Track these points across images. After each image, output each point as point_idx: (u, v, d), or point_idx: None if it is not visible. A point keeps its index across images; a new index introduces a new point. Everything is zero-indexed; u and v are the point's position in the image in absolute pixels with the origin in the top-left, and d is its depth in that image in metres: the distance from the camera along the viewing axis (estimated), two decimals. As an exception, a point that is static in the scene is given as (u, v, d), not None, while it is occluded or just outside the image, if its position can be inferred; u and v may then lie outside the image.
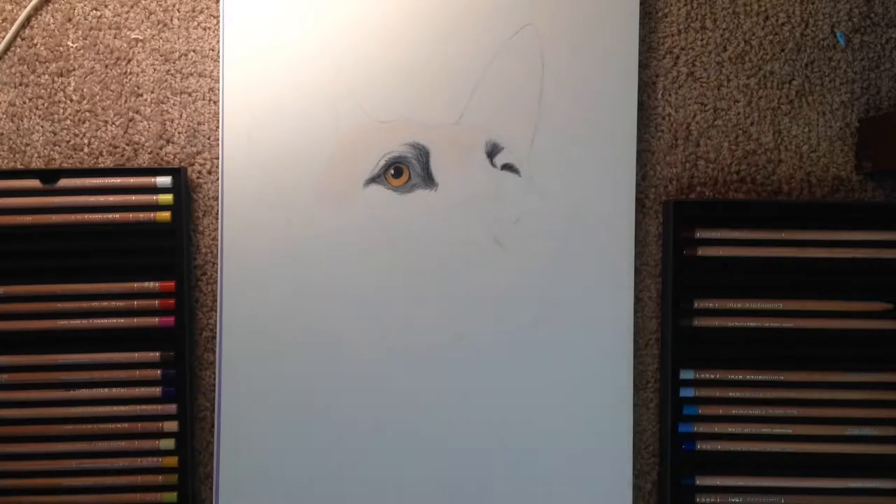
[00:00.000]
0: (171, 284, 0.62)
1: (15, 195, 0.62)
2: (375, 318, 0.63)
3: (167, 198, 0.62)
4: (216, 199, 0.64)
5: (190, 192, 0.64)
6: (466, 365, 0.63)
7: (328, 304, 0.63)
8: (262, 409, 0.63)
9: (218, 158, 0.63)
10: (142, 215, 0.62)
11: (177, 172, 0.62)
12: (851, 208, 0.64)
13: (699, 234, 0.63)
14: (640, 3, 0.64)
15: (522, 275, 0.63)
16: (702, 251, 0.63)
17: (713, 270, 0.64)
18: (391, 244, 0.63)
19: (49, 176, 0.62)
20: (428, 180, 0.63)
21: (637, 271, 0.64)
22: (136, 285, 0.62)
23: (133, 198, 0.62)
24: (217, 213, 0.63)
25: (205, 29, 0.64)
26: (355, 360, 0.63)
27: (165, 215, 0.62)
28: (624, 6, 0.63)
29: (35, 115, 0.64)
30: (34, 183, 0.62)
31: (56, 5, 0.64)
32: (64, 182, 0.62)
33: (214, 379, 0.63)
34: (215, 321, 0.63)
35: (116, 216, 0.62)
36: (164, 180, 0.62)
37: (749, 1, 0.65)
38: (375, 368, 0.63)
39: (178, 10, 0.64)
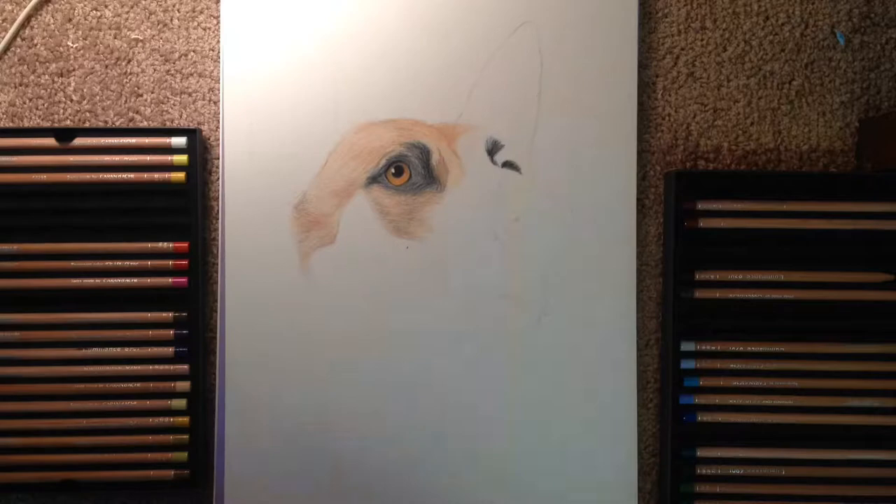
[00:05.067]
0: (184, 245, 0.63)
1: (30, 153, 0.62)
2: (376, 317, 0.63)
3: (182, 158, 0.62)
4: (216, 199, 0.64)
5: (205, 155, 0.64)
6: (467, 365, 0.63)
7: (329, 303, 0.63)
8: (263, 409, 0.63)
9: (218, 158, 0.63)
10: (157, 175, 0.62)
11: (192, 133, 0.62)
12: (853, 180, 0.64)
13: (701, 206, 0.63)
14: (640, 3, 0.64)
15: (523, 274, 0.63)
16: (703, 222, 0.63)
17: (714, 242, 0.64)
18: (393, 244, 0.63)
19: (65, 134, 0.62)
20: (429, 179, 0.63)
21: (637, 271, 0.64)
22: (150, 245, 0.62)
23: (148, 158, 0.62)
24: (217, 214, 0.63)
25: (205, 29, 0.64)
26: (356, 359, 0.63)
27: (180, 176, 0.62)
28: (623, 3, 0.63)
29: (35, 115, 0.64)
30: (50, 141, 0.62)
31: (56, 5, 0.64)
32: (79, 141, 0.62)
33: (215, 379, 0.63)
34: (216, 321, 0.63)
35: (131, 176, 0.62)
36: (180, 141, 0.62)
37: (749, 1, 0.65)
38: (376, 367, 0.63)
39: (178, 10, 0.64)
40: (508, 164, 0.63)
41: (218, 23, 0.64)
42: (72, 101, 0.64)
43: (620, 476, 0.63)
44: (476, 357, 0.63)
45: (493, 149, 0.63)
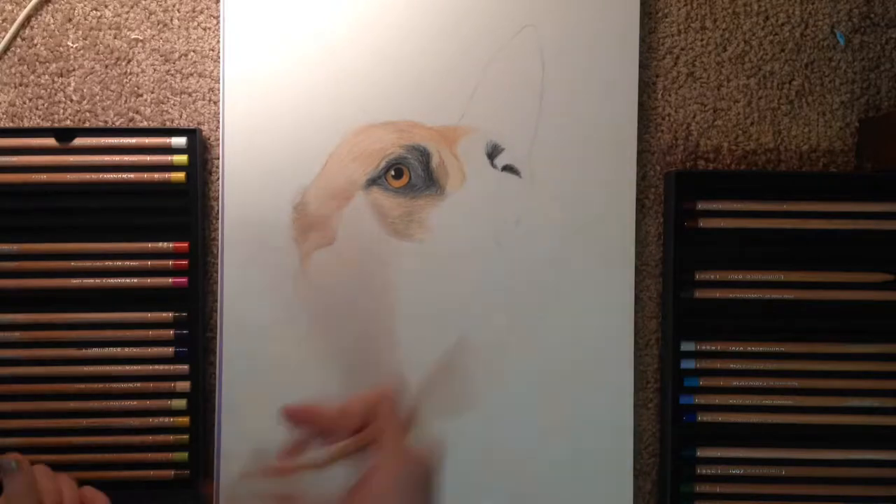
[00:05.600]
0: (184, 245, 0.63)
1: (30, 153, 0.62)
2: (375, 319, 0.63)
3: (182, 158, 0.62)
4: (216, 199, 0.64)
5: (206, 154, 0.64)
6: (468, 366, 0.63)
7: (328, 304, 0.63)
8: (262, 409, 0.63)
9: (218, 159, 0.63)
10: (156, 175, 0.62)
11: (192, 133, 0.62)
12: (853, 180, 0.64)
13: (700, 206, 0.63)
14: (640, 4, 0.64)
15: (523, 276, 0.63)
16: (703, 223, 0.63)
17: (714, 242, 0.64)
18: (392, 246, 0.63)
19: (65, 134, 0.62)
20: (428, 182, 0.63)
21: (637, 271, 0.64)
22: (150, 245, 0.62)
23: (148, 158, 0.62)
24: (217, 214, 0.63)
25: (205, 29, 0.64)
26: (355, 360, 0.63)
27: (180, 176, 0.62)
28: (624, 7, 0.63)
29: (35, 115, 0.64)
30: (50, 141, 0.62)
31: (56, 5, 0.64)
32: (79, 141, 0.62)
33: (215, 379, 0.63)
34: (216, 321, 0.63)
35: (131, 176, 0.62)
36: (179, 141, 0.62)
37: (749, 1, 0.65)
38: (375, 368, 0.63)
39: (178, 10, 0.64)
40: (508, 168, 0.63)
41: (218, 23, 0.64)
42: (72, 101, 0.64)
43: (616, 477, 0.63)
44: (474, 359, 0.63)
45: (493, 152, 0.62)
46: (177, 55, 0.64)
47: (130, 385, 0.63)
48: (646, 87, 0.65)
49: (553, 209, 0.63)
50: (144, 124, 0.64)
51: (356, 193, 0.62)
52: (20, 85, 0.64)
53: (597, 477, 0.63)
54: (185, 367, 0.63)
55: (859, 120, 0.65)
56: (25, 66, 0.64)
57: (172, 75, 0.64)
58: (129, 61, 0.64)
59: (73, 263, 0.62)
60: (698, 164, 0.65)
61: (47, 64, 0.64)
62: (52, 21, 0.64)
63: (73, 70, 0.64)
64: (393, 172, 0.62)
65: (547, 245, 0.63)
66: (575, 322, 0.63)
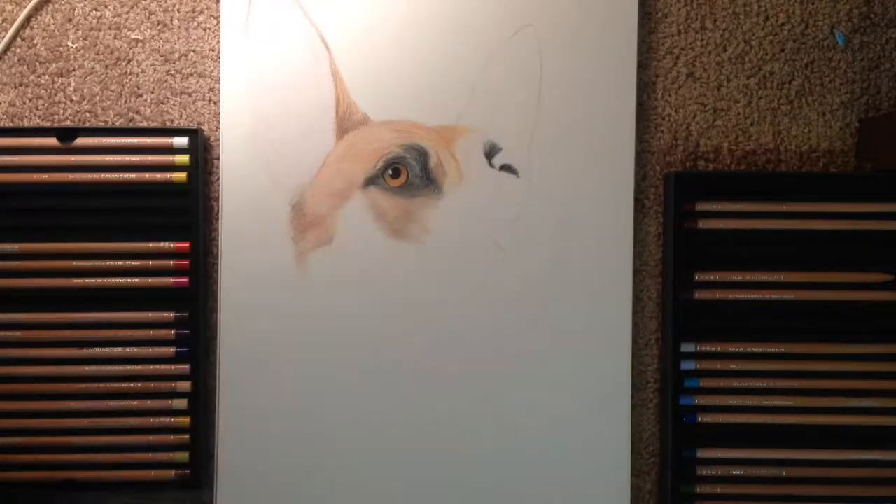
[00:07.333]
0: (186, 245, 0.63)
1: (32, 153, 0.62)
2: (375, 319, 0.63)
3: (183, 159, 0.62)
4: (216, 199, 0.64)
5: (207, 154, 0.64)
6: (466, 366, 0.63)
7: (328, 305, 0.63)
8: (261, 411, 0.63)
9: (218, 159, 0.63)
10: (158, 175, 0.62)
11: (194, 133, 0.63)
12: (853, 180, 0.64)
13: (700, 207, 0.63)
14: (640, 4, 0.64)
15: (521, 275, 0.63)
16: (703, 224, 0.63)
17: (714, 243, 0.64)
18: (390, 245, 0.63)
19: (66, 134, 0.62)
20: (426, 181, 0.63)
21: (637, 271, 0.64)
22: (151, 245, 0.63)
23: (149, 158, 0.62)
24: (217, 214, 0.63)
25: (205, 29, 0.64)
26: (355, 359, 0.63)
27: (181, 176, 0.62)
28: (623, 6, 0.63)
29: (35, 115, 0.64)
30: (51, 141, 0.62)
31: (56, 5, 0.64)
32: (81, 141, 0.62)
33: (215, 379, 0.63)
34: (215, 321, 0.63)
35: (133, 176, 0.62)
36: (181, 141, 0.62)
37: (749, 1, 0.65)
38: (373, 367, 0.63)
39: (178, 11, 0.64)
40: (506, 168, 0.63)
41: (218, 23, 0.64)
42: (72, 101, 0.64)
43: (614, 477, 0.63)
44: (472, 359, 0.63)
45: (490, 152, 0.62)
46: (177, 55, 0.64)
47: (131, 385, 0.63)
48: (645, 87, 0.65)
49: (551, 209, 0.63)
50: (144, 124, 0.64)
51: (354, 193, 0.62)
52: (20, 85, 0.64)
53: (596, 477, 0.63)
54: (186, 366, 0.63)
55: (859, 120, 0.65)
56: (25, 66, 0.64)
57: (172, 75, 0.64)
58: (129, 61, 0.64)
59: (74, 263, 0.62)
60: (698, 165, 0.65)
61: (47, 64, 0.64)
62: (52, 21, 0.64)
63: (73, 70, 0.64)
64: (391, 172, 0.62)
65: (545, 245, 0.63)
66: (574, 322, 0.63)
